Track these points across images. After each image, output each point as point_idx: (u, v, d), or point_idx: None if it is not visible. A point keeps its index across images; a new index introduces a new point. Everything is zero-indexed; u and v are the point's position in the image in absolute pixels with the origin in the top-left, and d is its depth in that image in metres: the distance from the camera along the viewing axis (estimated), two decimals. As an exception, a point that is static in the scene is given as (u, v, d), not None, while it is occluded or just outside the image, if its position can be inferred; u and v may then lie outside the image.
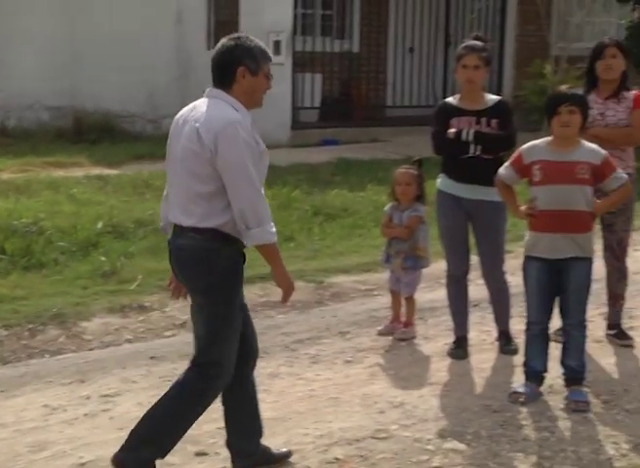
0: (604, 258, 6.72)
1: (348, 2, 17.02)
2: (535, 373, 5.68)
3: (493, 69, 16.61)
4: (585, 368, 5.65)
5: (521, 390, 5.64)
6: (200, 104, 4.44)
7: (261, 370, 5.89)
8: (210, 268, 4.36)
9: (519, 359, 5.93)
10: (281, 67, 14.67)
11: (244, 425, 4.72)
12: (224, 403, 4.73)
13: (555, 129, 5.48)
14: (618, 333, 6.71)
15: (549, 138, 5.57)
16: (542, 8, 14.75)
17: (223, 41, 4.46)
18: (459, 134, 6.14)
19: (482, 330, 6.84)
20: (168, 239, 4.59)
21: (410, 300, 6.85)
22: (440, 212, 6.41)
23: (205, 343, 4.46)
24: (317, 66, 15.81)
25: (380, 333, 6.85)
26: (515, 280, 6.30)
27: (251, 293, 7.61)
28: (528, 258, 5.63)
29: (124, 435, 4.44)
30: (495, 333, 6.61)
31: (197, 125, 4.31)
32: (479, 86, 6.28)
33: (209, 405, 4.54)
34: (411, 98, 17.11)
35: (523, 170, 5.59)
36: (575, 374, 5.62)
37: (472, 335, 6.62)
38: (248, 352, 4.67)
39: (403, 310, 6.91)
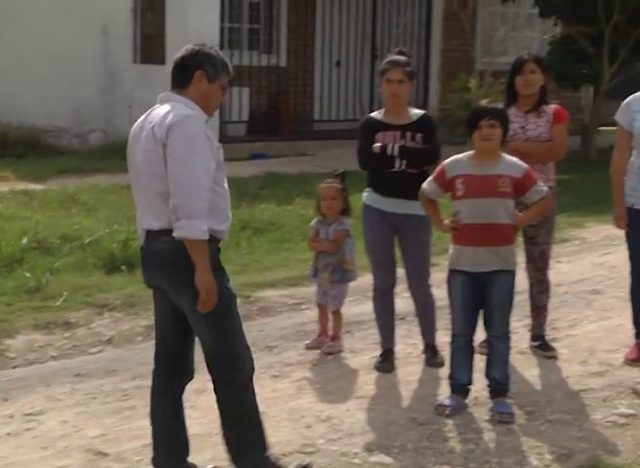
0: (527, 271, 6.79)
1: (275, 16, 17.05)
2: (460, 386, 5.71)
3: (419, 83, 16.78)
4: (509, 379, 5.71)
5: (447, 402, 5.68)
6: (154, 109, 4.50)
7: (188, 386, 5.85)
8: (189, 267, 4.32)
9: (445, 371, 5.97)
10: (208, 81, 14.64)
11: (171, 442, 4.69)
12: (152, 419, 4.69)
13: (477, 143, 5.54)
14: (541, 345, 6.78)
15: (471, 153, 5.63)
16: (467, 23, 14.93)
17: (187, 46, 4.56)
18: (384, 148, 6.18)
19: (408, 343, 6.87)
20: (140, 246, 4.60)
21: (337, 314, 6.87)
22: (367, 226, 6.44)
23: (213, 340, 4.48)
24: (245, 80, 15.80)
25: (308, 347, 6.85)
26: (441, 293, 6.33)
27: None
28: (452, 272, 5.68)
29: (48, 454, 4.38)
30: (421, 346, 6.65)
31: (151, 125, 4.39)
32: (404, 100, 6.33)
33: (253, 389, 4.61)
34: (338, 112, 17.18)
35: (446, 184, 5.64)
36: (499, 386, 5.66)
37: (399, 348, 6.65)
38: (183, 366, 4.67)
39: (330, 324, 6.92)
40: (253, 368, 4.62)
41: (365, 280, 7.57)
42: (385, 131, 6.26)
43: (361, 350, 6.84)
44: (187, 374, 4.70)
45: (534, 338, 6.85)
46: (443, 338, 6.39)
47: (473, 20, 16.11)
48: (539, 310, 6.82)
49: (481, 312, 5.65)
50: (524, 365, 6.53)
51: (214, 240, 4.42)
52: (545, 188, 5.67)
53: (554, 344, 6.88)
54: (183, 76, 4.47)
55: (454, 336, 5.70)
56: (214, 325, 4.44)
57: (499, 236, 5.52)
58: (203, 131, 4.35)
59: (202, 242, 4.30)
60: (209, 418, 5.52)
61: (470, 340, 5.68)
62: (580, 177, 13.92)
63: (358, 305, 7.76)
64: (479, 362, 5.80)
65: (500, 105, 5.80)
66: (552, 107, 6.62)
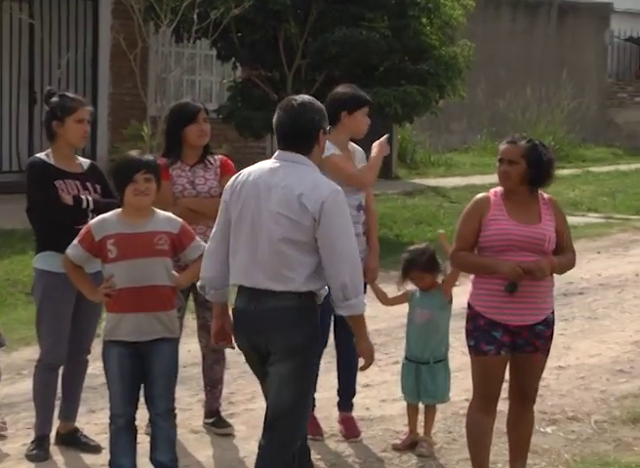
0: (199, 339, 6.88)
1: None
2: (123, 472, 5.67)
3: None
4: (177, 462, 5.71)
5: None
6: (283, 169, 4.98)
7: None
8: (307, 329, 4.97)
9: (106, 457, 5.88)
10: None
11: None
12: None
13: (130, 198, 5.55)
14: (216, 421, 6.86)
15: (119, 210, 5.63)
16: (137, 64, 14.97)
17: (292, 105, 5.03)
18: (78, 200, 6.10)
19: (66, 425, 6.74)
20: (235, 303, 5.07)
21: (-19, 397, 6.66)
22: (49, 295, 6.23)
23: (293, 400, 4.99)
24: None
25: (-54, 437, 6.61)
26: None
27: None
28: (108, 343, 5.63)
29: None
30: (81, 427, 6.57)
31: (297, 192, 4.87)
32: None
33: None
34: (-8, 164, 16.76)
35: (95, 248, 5.59)
36: (166, 471, 5.68)
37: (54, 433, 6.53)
38: None
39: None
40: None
41: (20, 355, 7.42)
42: (65, 179, 6.22)
43: (12, 436, 6.66)
44: None
45: (208, 415, 6.91)
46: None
47: (144, 61, 16.21)
48: (214, 383, 6.91)
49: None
50: (197, 445, 6.60)
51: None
52: (204, 243, 5.70)
53: (231, 420, 6.98)
54: (308, 138, 5.01)
55: (112, 417, 5.64)
56: (301, 392, 5.03)
57: (159, 300, 5.55)
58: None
59: (363, 315, 4.97)
60: None
61: (131, 420, 5.63)
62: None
63: (10, 385, 7.56)
64: (146, 443, 5.78)
65: (150, 157, 5.81)
66: (219, 158, 6.80)
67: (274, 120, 5.10)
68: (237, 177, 5.12)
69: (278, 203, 4.91)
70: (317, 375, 5.25)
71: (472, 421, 5.88)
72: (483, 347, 5.75)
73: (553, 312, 5.91)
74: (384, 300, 6.83)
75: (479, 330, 5.76)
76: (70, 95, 6.43)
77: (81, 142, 6.38)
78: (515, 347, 5.80)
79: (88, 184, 6.24)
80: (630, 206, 18.27)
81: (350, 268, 4.88)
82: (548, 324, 5.85)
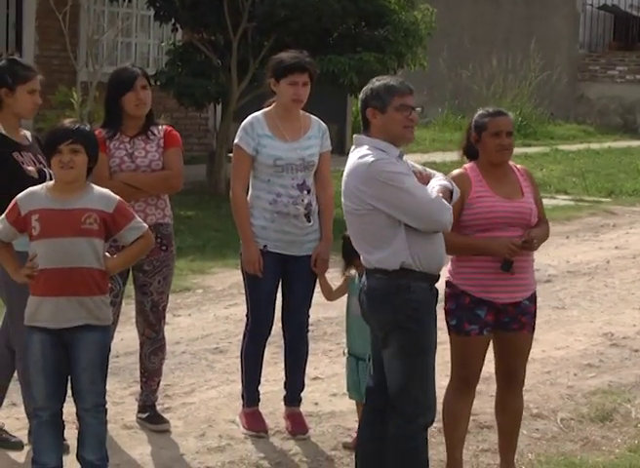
0: (137, 326, 6.86)
1: None
2: (47, 471, 5.65)
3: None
4: (107, 461, 5.67)
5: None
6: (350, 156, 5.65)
7: None
8: (399, 305, 5.48)
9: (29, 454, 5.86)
10: None
11: None
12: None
13: (56, 171, 5.50)
14: (151, 416, 6.83)
15: (51, 183, 5.61)
16: (66, 24, 14.82)
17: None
18: (42, 173, 6.08)
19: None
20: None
21: None
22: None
23: (401, 382, 5.51)
24: None
25: None
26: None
27: None
28: (29, 329, 5.56)
29: None
30: (3, 424, 6.54)
31: (345, 179, 5.58)
32: None
33: (427, 440, 5.62)
34: None
35: (21, 222, 5.53)
36: (95, 471, 5.67)
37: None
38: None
39: None
40: (433, 418, 5.64)
41: None
42: (20, 150, 6.21)
43: None
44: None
45: (142, 409, 6.88)
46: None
47: (75, 21, 16.07)
48: (150, 375, 6.88)
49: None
50: (130, 441, 6.59)
51: (431, 276, 5.61)
52: (144, 225, 5.68)
53: (167, 415, 6.97)
54: (363, 119, 5.66)
55: (36, 410, 5.60)
56: (407, 367, 5.50)
57: (84, 283, 5.48)
58: (391, 164, 5.48)
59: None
60: None
61: (57, 414, 5.59)
62: (206, 214, 14.24)
63: None
64: (74, 439, 5.75)
65: (84, 126, 5.73)
66: (162, 129, 6.77)
67: None
68: None
69: (343, 192, 5.61)
70: (426, 352, 5.56)
71: (449, 404, 6.04)
72: (466, 326, 5.91)
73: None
74: (328, 296, 6.77)
75: (463, 308, 5.91)
76: (21, 60, 6.42)
77: (31, 115, 6.38)
78: (500, 326, 5.97)
79: (39, 157, 6.20)
80: (602, 187, 18.42)
81: (422, 211, 5.44)
82: (533, 299, 6.06)
